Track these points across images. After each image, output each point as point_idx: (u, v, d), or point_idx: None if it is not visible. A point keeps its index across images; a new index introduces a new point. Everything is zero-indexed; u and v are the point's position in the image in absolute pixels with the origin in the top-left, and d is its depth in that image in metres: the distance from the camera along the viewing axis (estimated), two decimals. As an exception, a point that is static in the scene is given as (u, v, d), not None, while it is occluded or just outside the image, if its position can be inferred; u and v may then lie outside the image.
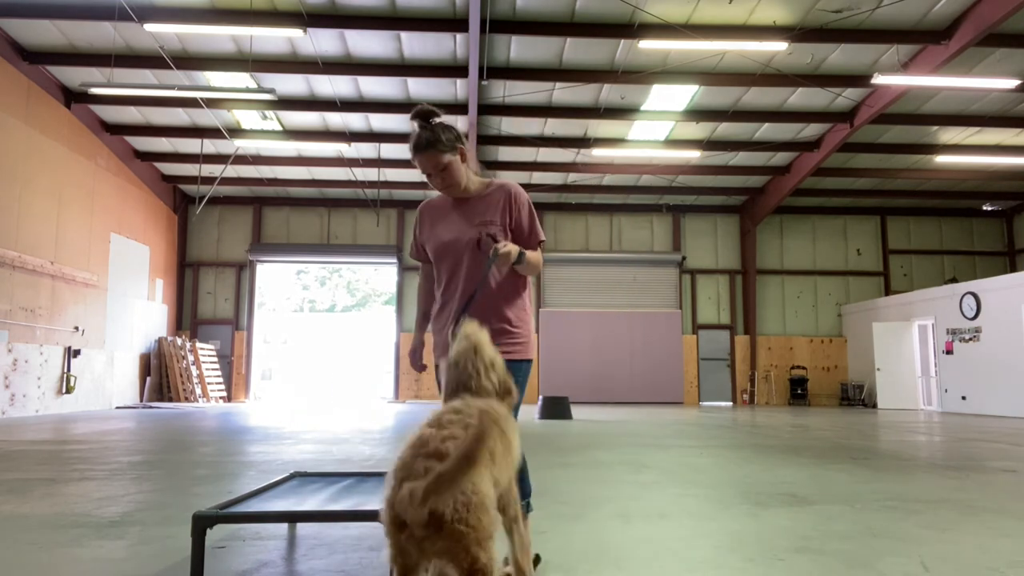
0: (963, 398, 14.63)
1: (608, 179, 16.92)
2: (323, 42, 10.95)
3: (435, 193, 2.67)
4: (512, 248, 2.35)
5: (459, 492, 1.48)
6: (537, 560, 2.39)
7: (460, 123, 12.70)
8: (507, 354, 2.46)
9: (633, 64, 11.57)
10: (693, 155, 14.93)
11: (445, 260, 2.57)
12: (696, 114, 13.33)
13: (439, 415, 1.73)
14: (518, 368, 2.51)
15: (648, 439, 7.69)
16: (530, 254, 2.50)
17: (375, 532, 3.01)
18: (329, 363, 30.74)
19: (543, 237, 2.63)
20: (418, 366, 2.66)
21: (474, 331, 2.02)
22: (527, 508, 2.52)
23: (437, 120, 2.47)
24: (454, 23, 10.40)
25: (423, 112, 2.46)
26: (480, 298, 2.49)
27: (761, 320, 18.45)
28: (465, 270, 2.52)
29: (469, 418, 1.67)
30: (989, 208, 18.80)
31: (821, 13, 10.07)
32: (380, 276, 33.41)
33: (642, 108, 13.22)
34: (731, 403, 18.15)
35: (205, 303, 17.88)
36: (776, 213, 18.50)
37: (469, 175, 2.57)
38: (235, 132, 14.10)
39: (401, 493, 1.47)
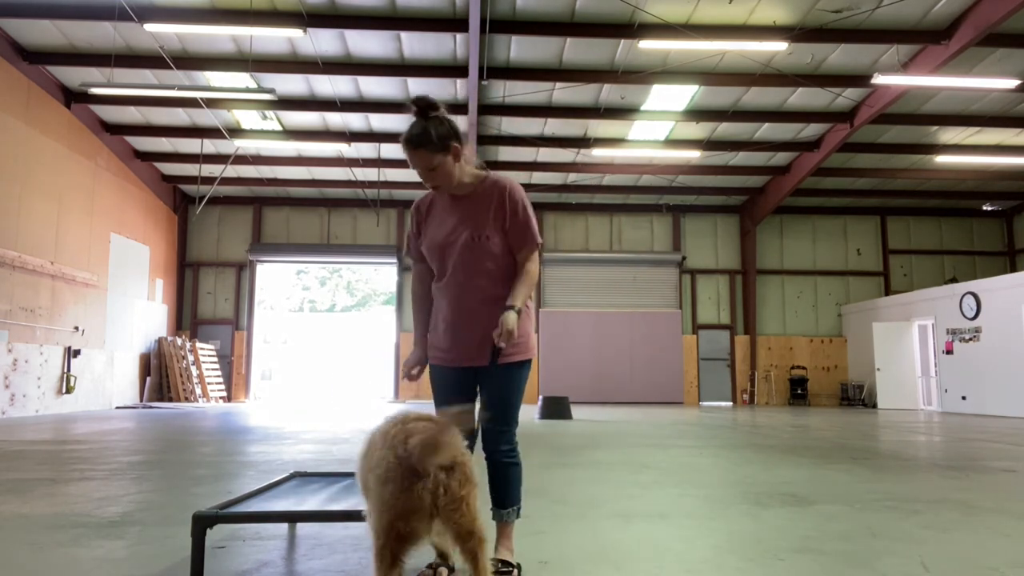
0: (963, 398, 14.62)
1: (608, 179, 16.91)
2: (323, 42, 10.95)
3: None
4: (508, 322, 2.31)
5: (453, 448, 1.75)
6: (519, 570, 2.36)
7: (460, 123, 12.62)
8: (508, 356, 2.46)
9: (633, 64, 11.56)
10: (693, 155, 14.93)
11: (436, 258, 2.54)
12: (696, 114, 13.32)
13: (403, 420, 1.90)
14: (519, 368, 2.50)
15: (648, 439, 7.68)
16: (525, 273, 2.46)
17: (375, 532, 3.01)
18: (329, 363, 30.71)
19: (540, 240, 2.52)
20: (409, 376, 2.55)
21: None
22: (516, 515, 2.50)
23: (434, 114, 2.37)
24: (454, 23, 10.40)
25: (422, 105, 2.35)
26: (481, 299, 2.47)
27: (761, 320, 18.45)
28: (460, 264, 2.48)
29: (433, 425, 1.84)
30: (989, 208, 18.79)
31: (821, 13, 10.06)
32: (380, 276, 33.39)
33: (642, 108, 13.22)
34: (731, 403, 18.14)
35: (205, 303, 17.88)
36: (776, 213, 18.50)
37: (463, 171, 2.48)
38: (235, 132, 14.10)
39: (411, 446, 1.72)
